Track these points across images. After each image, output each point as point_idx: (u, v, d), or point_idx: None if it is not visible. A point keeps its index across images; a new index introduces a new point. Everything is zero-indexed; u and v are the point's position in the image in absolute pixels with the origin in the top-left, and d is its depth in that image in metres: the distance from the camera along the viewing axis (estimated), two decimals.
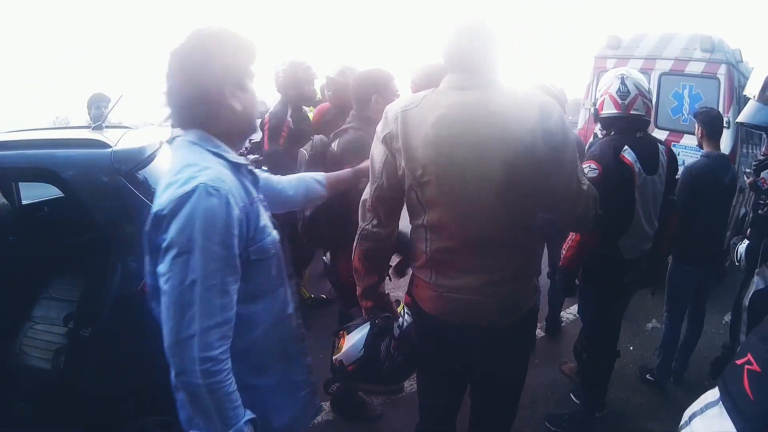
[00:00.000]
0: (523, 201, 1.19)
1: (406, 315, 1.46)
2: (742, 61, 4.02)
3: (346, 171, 1.62)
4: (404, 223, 1.37)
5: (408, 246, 1.38)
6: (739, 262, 2.19)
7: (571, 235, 1.92)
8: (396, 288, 2.49)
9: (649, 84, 2.22)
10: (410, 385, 1.72)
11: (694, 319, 2.68)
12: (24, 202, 2.77)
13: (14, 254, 2.52)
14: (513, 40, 1.23)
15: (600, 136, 2.44)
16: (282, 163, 2.42)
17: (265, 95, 3.74)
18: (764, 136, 3.16)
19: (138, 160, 1.75)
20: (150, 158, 1.81)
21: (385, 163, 1.25)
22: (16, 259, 2.49)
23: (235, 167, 1.05)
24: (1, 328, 2.18)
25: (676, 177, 2.17)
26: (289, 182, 1.45)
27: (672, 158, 2.07)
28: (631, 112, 1.92)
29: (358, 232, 1.38)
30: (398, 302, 1.55)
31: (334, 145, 2.01)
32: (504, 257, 1.24)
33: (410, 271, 1.45)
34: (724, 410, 0.70)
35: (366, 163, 1.43)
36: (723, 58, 3.81)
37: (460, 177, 1.16)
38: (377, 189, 1.29)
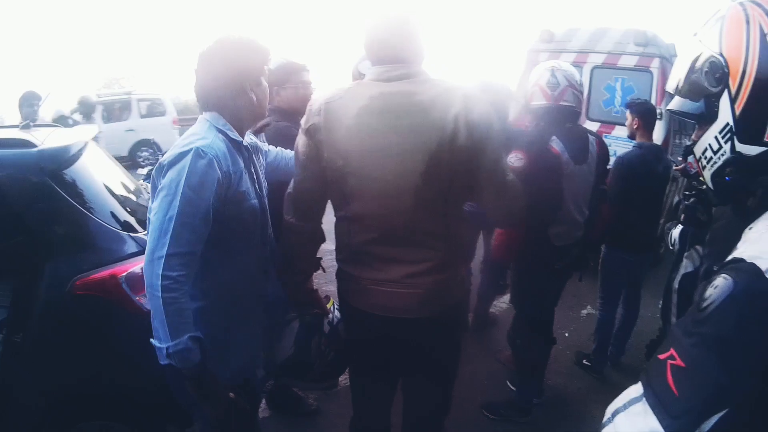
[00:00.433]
0: (446, 191, 1.18)
1: (336, 311, 1.44)
2: (676, 55, 4.24)
3: None
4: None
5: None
6: (673, 245, 2.30)
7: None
8: (328, 283, 2.43)
9: (581, 77, 2.31)
10: (345, 379, 1.68)
11: (630, 305, 2.74)
12: None
13: None
14: (434, 32, 1.25)
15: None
16: None
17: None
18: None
19: (64, 158, 1.69)
20: (75, 156, 1.75)
21: (308, 155, 1.24)
22: None
23: (236, 144, 1.28)
24: None
25: (608, 167, 2.21)
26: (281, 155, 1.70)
27: (603, 149, 2.10)
28: (561, 103, 1.95)
29: (283, 226, 1.37)
30: (328, 298, 1.53)
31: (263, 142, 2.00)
32: (428, 247, 1.22)
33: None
34: (648, 406, 0.69)
35: None
36: (657, 52, 3.99)
37: (381, 167, 1.16)
38: (301, 181, 1.29)
